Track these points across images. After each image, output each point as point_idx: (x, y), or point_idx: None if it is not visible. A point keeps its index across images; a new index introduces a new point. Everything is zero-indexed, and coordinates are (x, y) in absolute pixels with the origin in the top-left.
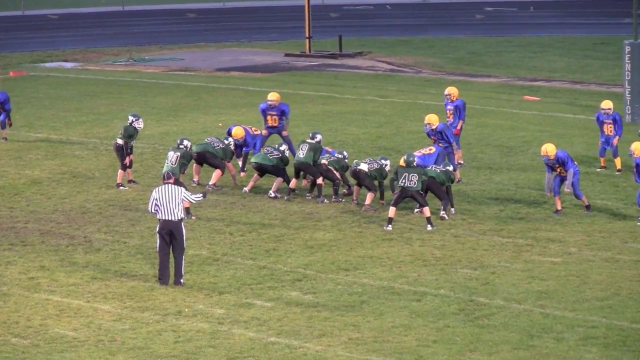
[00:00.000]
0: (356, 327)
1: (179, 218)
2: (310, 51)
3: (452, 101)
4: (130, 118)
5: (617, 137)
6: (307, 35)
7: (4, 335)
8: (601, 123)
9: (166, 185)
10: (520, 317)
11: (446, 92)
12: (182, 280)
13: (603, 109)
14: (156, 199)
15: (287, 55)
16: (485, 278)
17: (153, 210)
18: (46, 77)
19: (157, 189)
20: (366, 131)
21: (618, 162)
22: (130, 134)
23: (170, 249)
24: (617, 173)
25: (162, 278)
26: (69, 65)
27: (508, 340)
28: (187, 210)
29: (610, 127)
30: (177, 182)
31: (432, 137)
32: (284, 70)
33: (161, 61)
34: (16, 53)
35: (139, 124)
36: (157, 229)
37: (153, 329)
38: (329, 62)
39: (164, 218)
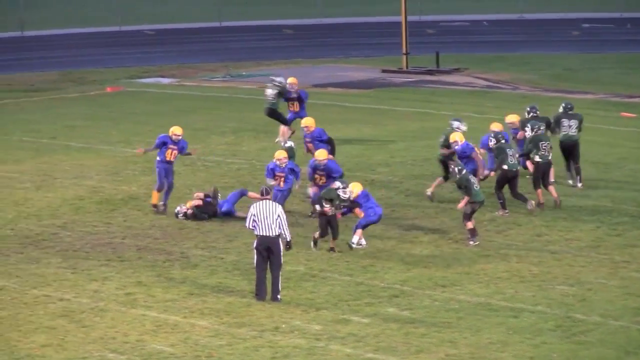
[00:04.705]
0: (453, 343)
1: (277, 234)
2: (407, 67)
3: (310, 132)
4: None
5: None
6: (404, 51)
7: (101, 351)
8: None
9: (264, 201)
10: (617, 333)
11: (302, 124)
12: (279, 296)
13: (508, 123)
14: (254, 215)
15: (384, 71)
16: (582, 294)
17: (251, 227)
18: (143, 93)
19: (254, 204)
20: None
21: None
22: None
23: (268, 265)
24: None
25: (259, 294)
26: (165, 80)
27: (605, 356)
28: None
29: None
30: None
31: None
32: (380, 87)
33: (258, 77)
34: (113, 69)
35: None
36: (255, 244)
37: (250, 344)
38: (426, 79)
39: (261, 234)
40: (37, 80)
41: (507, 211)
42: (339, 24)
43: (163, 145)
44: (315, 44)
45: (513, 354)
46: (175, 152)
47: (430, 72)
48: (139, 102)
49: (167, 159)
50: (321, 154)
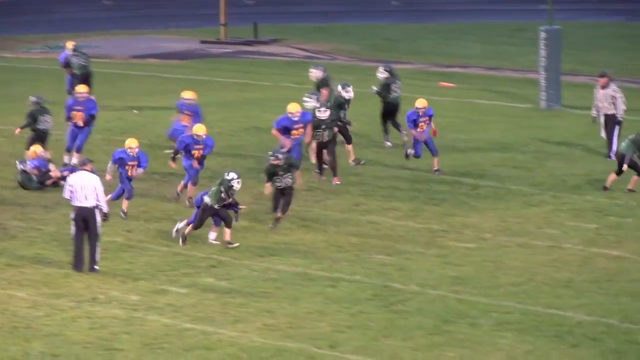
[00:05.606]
0: (271, 313)
1: (93, 205)
2: (225, 38)
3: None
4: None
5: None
6: (222, 22)
7: None
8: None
9: (81, 171)
10: (435, 302)
11: None
12: (96, 267)
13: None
14: (71, 185)
15: (202, 42)
16: (400, 264)
17: (67, 197)
18: None
19: (72, 175)
20: None
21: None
22: None
23: (85, 236)
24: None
25: (77, 265)
26: None
27: (423, 325)
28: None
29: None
30: None
31: None
32: (199, 57)
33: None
34: None
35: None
36: (72, 215)
37: (68, 315)
38: (245, 49)
39: (78, 205)
40: None
41: (323, 177)
42: None
43: None
44: (135, 15)
45: (331, 323)
46: None
47: (248, 43)
48: None
49: None
50: (200, 129)
